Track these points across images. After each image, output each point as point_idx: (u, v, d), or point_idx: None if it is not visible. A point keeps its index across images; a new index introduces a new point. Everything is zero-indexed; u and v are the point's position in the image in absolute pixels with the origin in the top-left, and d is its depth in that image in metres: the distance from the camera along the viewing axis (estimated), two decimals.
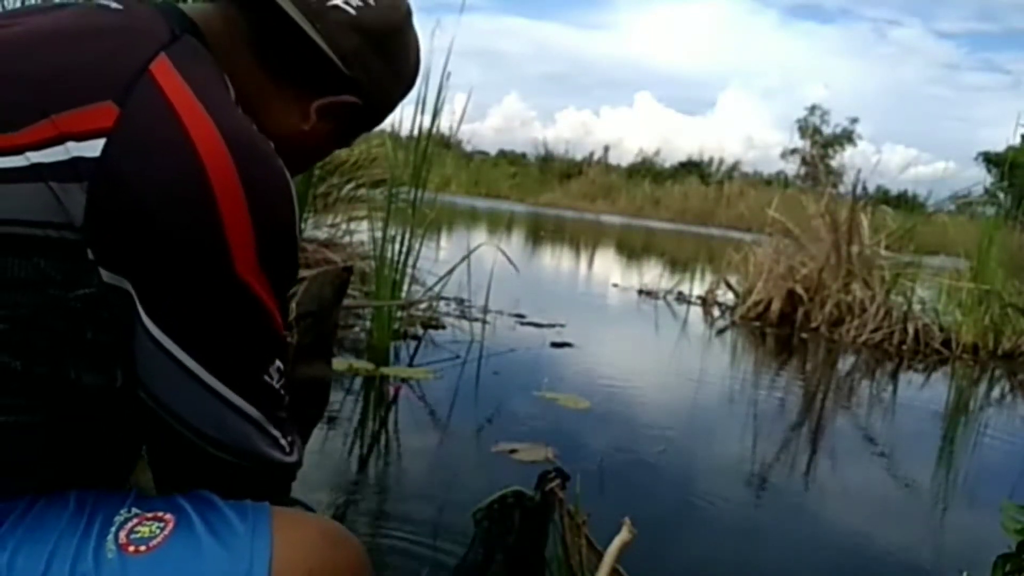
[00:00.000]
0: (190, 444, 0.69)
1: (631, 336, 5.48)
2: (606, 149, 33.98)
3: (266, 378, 0.70)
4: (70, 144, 0.60)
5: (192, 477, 0.72)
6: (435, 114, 3.79)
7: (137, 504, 0.70)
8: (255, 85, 0.76)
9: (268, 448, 0.72)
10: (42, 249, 0.60)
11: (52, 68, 0.64)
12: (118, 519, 0.67)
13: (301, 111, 0.78)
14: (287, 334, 0.77)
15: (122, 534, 0.66)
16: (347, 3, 0.76)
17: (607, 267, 10.21)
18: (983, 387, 5.06)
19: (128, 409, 0.68)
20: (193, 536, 0.66)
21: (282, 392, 0.73)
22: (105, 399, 0.67)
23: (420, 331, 4.04)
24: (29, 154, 0.60)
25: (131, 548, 0.65)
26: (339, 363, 2.99)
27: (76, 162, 0.60)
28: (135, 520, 0.67)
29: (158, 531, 0.66)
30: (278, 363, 0.71)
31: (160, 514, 0.68)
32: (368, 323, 3.74)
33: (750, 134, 49.04)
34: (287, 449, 0.74)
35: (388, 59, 0.81)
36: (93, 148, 0.60)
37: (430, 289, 4.39)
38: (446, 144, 5.56)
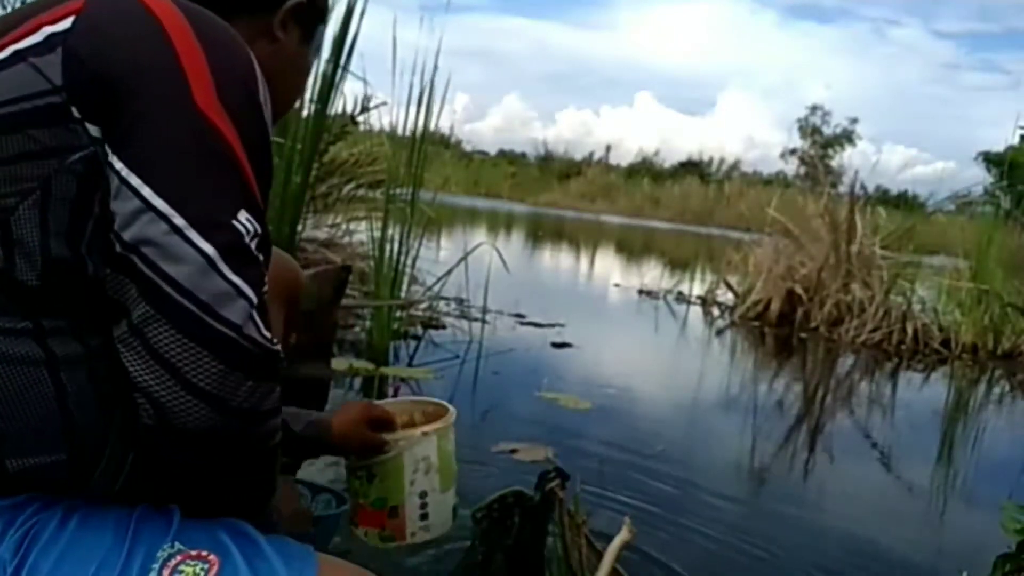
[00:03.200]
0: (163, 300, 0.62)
1: (631, 336, 5.48)
2: (606, 149, 34.12)
3: (234, 223, 0.65)
4: (45, 29, 0.65)
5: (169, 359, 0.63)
6: (429, 112, 3.79)
7: (180, 536, 0.67)
8: None
9: (240, 313, 0.64)
10: (31, 120, 0.63)
11: None
12: (161, 554, 0.65)
13: (266, 35, 0.84)
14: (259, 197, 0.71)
15: (165, 572, 0.64)
16: None
17: (607, 267, 10.21)
18: (982, 387, 5.06)
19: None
20: None
21: (255, 252, 0.67)
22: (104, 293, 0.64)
23: (420, 331, 4.04)
24: (11, 47, 0.65)
25: None
26: (339, 363, 2.99)
27: (50, 38, 0.65)
28: (179, 557, 0.65)
29: (202, 573, 0.65)
30: (246, 214, 0.67)
31: (204, 553, 0.66)
32: (368, 323, 3.74)
33: (750, 134, 49.21)
34: (263, 330, 0.65)
35: None
36: (64, 25, 0.65)
37: (430, 289, 4.39)
38: (445, 143, 5.56)
